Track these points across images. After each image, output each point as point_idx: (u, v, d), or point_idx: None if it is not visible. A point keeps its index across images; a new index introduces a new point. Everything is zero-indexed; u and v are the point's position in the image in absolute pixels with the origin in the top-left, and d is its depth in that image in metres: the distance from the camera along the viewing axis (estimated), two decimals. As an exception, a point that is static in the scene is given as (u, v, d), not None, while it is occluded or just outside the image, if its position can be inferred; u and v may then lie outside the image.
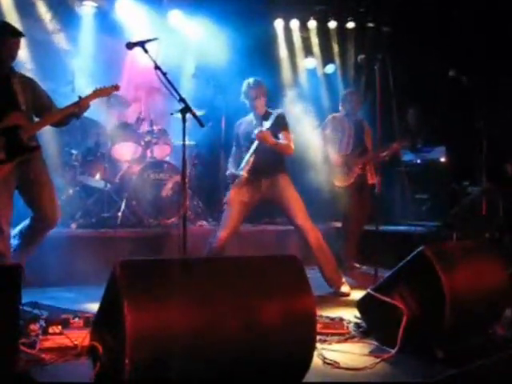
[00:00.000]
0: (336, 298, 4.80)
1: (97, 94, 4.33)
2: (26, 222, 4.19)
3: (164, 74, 3.72)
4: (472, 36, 7.34)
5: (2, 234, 3.97)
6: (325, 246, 4.92)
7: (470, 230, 5.97)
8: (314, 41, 9.03)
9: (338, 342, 3.43)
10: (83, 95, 4.83)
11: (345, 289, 4.90)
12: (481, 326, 3.51)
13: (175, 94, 3.73)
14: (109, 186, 6.33)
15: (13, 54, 4.06)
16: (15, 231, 4.19)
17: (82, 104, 4.20)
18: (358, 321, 3.69)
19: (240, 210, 4.91)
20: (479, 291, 3.33)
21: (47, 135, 5.77)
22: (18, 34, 4.08)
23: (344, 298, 4.79)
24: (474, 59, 7.02)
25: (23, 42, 6.69)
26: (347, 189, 5.85)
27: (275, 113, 4.94)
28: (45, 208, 4.13)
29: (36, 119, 4.22)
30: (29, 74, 4.40)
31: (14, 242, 4.17)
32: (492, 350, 3.23)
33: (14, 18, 6.88)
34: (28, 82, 4.21)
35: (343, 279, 4.99)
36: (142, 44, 3.81)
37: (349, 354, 3.23)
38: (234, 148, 5.21)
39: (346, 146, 5.89)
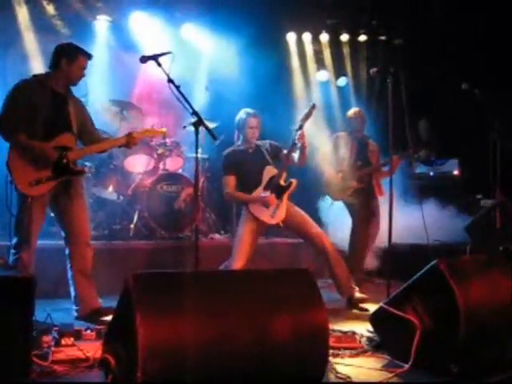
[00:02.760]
0: (348, 312, 4.77)
1: (146, 133, 4.64)
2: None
3: (177, 87, 3.74)
4: (485, 48, 7.32)
5: (28, 246, 3.99)
6: (338, 253, 5.06)
7: (484, 243, 5.91)
8: (327, 54, 9.06)
9: (351, 356, 3.40)
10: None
11: (359, 295, 4.90)
12: (496, 341, 3.47)
13: (188, 106, 3.75)
14: (121, 198, 6.36)
15: (82, 74, 4.20)
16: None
17: (130, 139, 4.35)
18: (371, 335, 3.66)
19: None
20: (494, 305, 3.29)
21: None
22: (88, 56, 4.22)
23: (356, 312, 4.76)
24: (486, 72, 7.00)
25: (39, 55, 6.93)
26: (353, 202, 5.86)
27: (266, 142, 5.25)
28: (76, 223, 4.18)
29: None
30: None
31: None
32: (507, 365, 3.19)
33: (30, 32, 7.00)
34: (79, 105, 4.35)
35: (356, 288, 4.99)
36: (155, 57, 3.83)
37: (361, 368, 3.20)
38: (229, 178, 5.12)
39: (346, 162, 5.92)
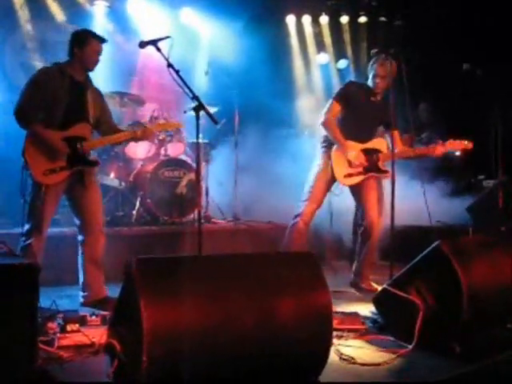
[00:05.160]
0: (352, 294, 4.79)
1: (162, 126, 4.68)
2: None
3: (177, 72, 3.72)
4: (486, 28, 7.27)
5: (40, 233, 4.01)
6: (377, 244, 4.91)
7: (486, 224, 5.91)
8: (327, 36, 9.01)
9: (355, 337, 3.43)
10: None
11: (375, 285, 4.81)
12: (499, 321, 3.48)
13: (188, 91, 3.73)
14: (123, 184, 6.35)
15: (96, 59, 4.20)
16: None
17: (146, 132, 4.37)
18: (375, 316, 3.68)
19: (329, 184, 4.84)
20: (496, 285, 3.31)
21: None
22: (101, 40, 4.22)
23: (360, 294, 4.77)
24: (488, 52, 6.95)
25: (38, 43, 6.91)
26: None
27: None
28: (90, 212, 4.20)
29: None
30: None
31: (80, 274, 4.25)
32: (510, 345, 3.20)
33: (27, 20, 6.96)
34: (98, 96, 4.37)
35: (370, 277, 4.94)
36: (154, 42, 3.82)
37: (365, 349, 3.23)
38: (336, 105, 4.77)
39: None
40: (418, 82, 6.12)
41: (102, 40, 4.23)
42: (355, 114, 4.77)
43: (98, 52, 4.19)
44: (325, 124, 4.78)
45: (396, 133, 4.77)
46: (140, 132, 4.35)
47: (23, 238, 4.02)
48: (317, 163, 4.83)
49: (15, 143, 4.10)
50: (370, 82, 4.85)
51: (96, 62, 4.20)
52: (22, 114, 3.98)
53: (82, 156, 4.11)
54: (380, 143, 4.84)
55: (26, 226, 4.02)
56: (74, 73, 4.16)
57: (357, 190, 4.89)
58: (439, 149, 4.84)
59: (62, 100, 4.05)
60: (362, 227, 4.91)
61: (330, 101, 4.82)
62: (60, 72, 4.11)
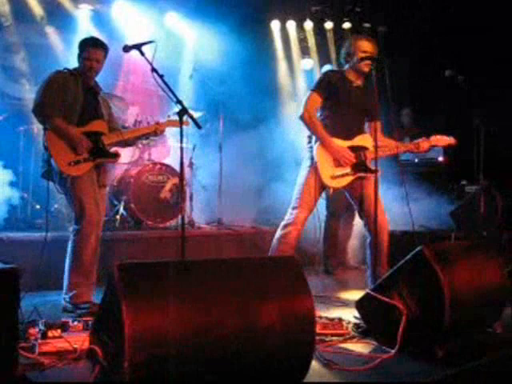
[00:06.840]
0: (335, 299, 4.80)
1: (171, 123, 4.67)
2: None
3: (161, 77, 3.72)
4: (468, 35, 7.36)
5: (91, 228, 4.11)
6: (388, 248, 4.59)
7: (468, 229, 5.97)
8: (311, 41, 9.06)
9: (338, 342, 3.43)
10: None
11: None
12: (480, 325, 3.51)
13: (172, 96, 3.73)
14: (107, 188, 6.32)
15: (92, 66, 4.23)
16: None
17: (157, 128, 4.53)
18: (358, 321, 3.69)
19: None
20: (478, 290, 3.33)
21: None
22: (97, 46, 4.25)
23: (343, 298, 4.78)
24: (470, 58, 7.03)
25: (21, 46, 6.86)
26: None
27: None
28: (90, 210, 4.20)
29: None
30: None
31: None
32: (492, 349, 3.23)
33: (11, 23, 6.92)
34: (107, 102, 4.54)
35: None
36: (138, 47, 3.81)
37: (348, 354, 3.23)
38: (316, 96, 4.33)
39: None
40: (401, 87, 6.17)
41: (97, 46, 4.24)
42: (338, 105, 4.38)
43: (92, 58, 4.22)
44: (304, 118, 4.32)
45: (378, 124, 4.46)
46: (153, 127, 4.54)
47: (73, 237, 4.13)
48: (305, 165, 4.43)
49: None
50: (352, 66, 4.46)
51: (90, 67, 4.23)
52: (42, 108, 4.07)
53: (103, 149, 4.22)
54: (365, 139, 4.45)
55: (75, 227, 4.12)
56: (84, 78, 4.27)
57: (356, 195, 4.49)
58: (424, 144, 4.59)
59: (78, 100, 4.17)
60: (371, 237, 4.44)
61: (309, 92, 4.40)
62: (72, 75, 4.23)
